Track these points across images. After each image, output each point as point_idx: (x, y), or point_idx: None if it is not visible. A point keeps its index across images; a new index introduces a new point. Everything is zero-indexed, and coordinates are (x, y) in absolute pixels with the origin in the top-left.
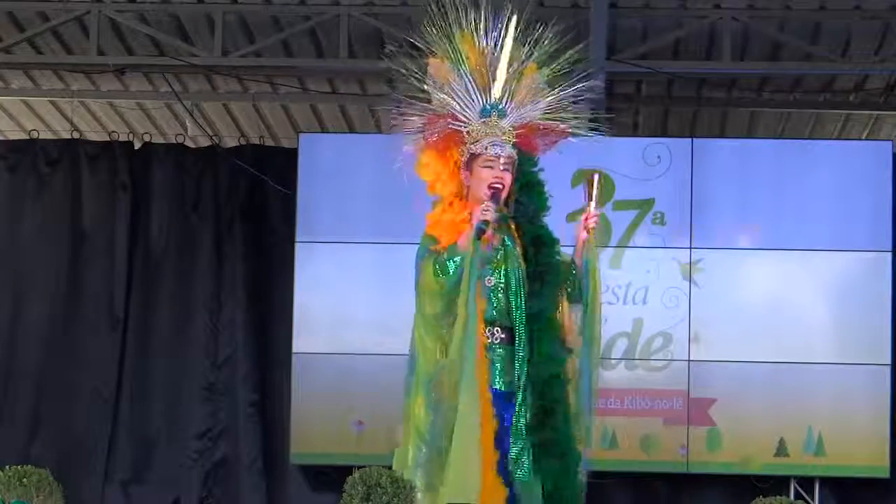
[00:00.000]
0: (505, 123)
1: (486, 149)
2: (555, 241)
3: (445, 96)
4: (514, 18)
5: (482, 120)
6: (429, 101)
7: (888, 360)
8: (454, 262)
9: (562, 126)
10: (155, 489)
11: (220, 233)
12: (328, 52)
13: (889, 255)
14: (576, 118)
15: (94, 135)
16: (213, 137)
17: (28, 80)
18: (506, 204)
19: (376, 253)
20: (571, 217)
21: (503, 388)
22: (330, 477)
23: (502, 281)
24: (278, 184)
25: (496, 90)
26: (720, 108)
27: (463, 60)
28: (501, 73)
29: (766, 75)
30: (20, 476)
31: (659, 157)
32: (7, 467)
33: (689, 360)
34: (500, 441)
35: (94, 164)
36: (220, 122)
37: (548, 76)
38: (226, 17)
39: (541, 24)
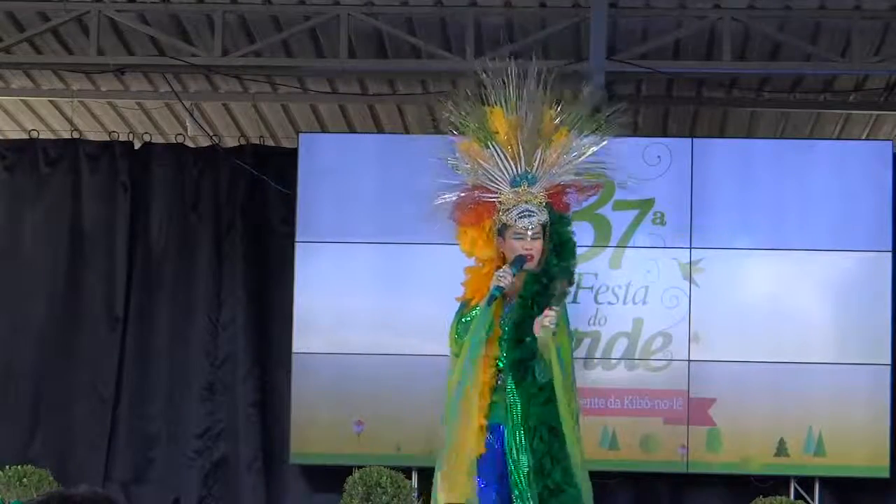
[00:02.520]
0: (535, 189)
1: (515, 221)
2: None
3: (476, 172)
4: (541, 88)
5: (513, 189)
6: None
7: (888, 360)
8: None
9: (592, 183)
10: (155, 489)
11: (220, 233)
12: (328, 52)
13: (889, 255)
14: (603, 171)
15: (94, 135)
16: (213, 137)
17: (28, 80)
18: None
19: (376, 253)
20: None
21: (497, 422)
22: (330, 477)
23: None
24: (278, 184)
25: (526, 159)
26: (720, 108)
27: (492, 136)
28: (530, 141)
29: (766, 75)
30: (20, 476)
31: (659, 157)
32: (7, 467)
33: (689, 360)
34: (483, 463)
35: (94, 164)
36: (220, 122)
37: (578, 138)
38: (226, 17)
39: (572, 91)
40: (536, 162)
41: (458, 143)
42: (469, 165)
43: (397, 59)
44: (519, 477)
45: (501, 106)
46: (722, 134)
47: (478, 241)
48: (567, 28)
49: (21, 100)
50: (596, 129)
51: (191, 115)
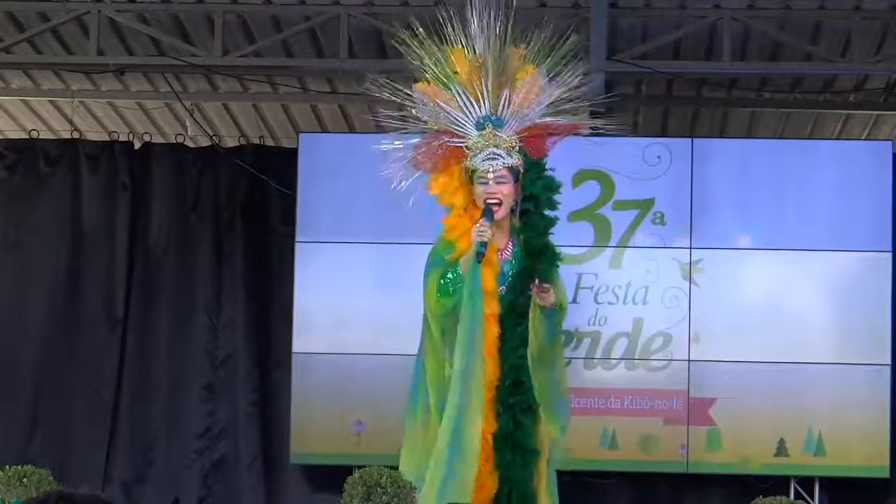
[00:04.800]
0: (504, 132)
1: (479, 164)
2: (556, 256)
3: (437, 114)
4: (502, 23)
5: (478, 133)
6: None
7: (888, 360)
8: (453, 284)
9: (567, 122)
10: (155, 489)
11: (220, 233)
12: (328, 52)
13: (889, 255)
14: (579, 113)
15: (94, 135)
16: (213, 137)
17: (28, 80)
18: (514, 213)
19: (376, 253)
20: (571, 217)
21: None
22: (330, 477)
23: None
24: (278, 184)
25: (490, 100)
26: (720, 108)
27: (452, 76)
28: (495, 81)
29: (766, 75)
30: (20, 476)
31: (659, 157)
32: (7, 467)
33: (689, 360)
34: None
35: (94, 164)
36: (220, 122)
37: (547, 72)
38: (226, 17)
39: (534, 24)
40: (502, 103)
41: (417, 85)
42: (431, 108)
43: (397, 59)
44: None
45: (461, 46)
46: (722, 134)
47: (448, 187)
48: (567, 28)
49: (21, 100)
50: (563, 64)
51: (191, 115)
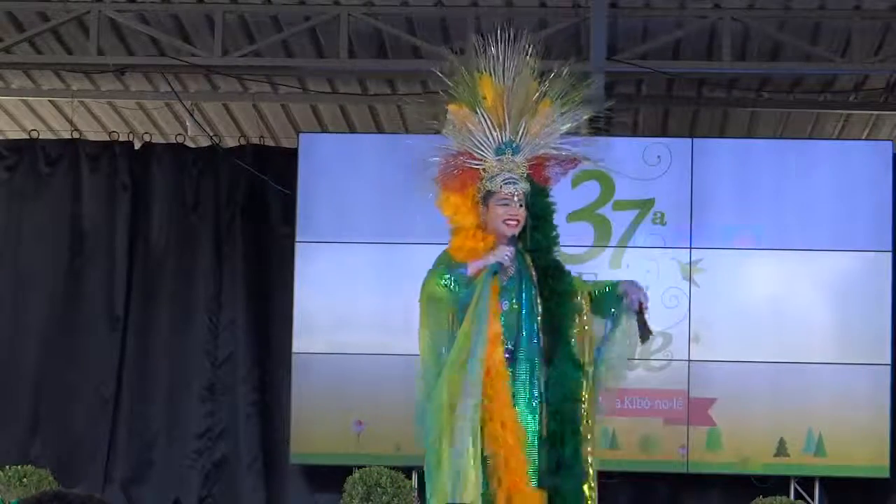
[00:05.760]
0: (519, 158)
1: (500, 187)
2: (564, 271)
3: (463, 136)
4: (529, 57)
5: (497, 157)
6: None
7: (888, 360)
8: (457, 281)
9: (572, 154)
10: (155, 489)
11: (220, 233)
12: (328, 52)
13: (889, 255)
14: (585, 145)
15: (94, 135)
16: (213, 137)
17: (28, 80)
18: (520, 235)
19: (376, 253)
20: (571, 217)
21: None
22: (330, 477)
23: (515, 306)
24: (278, 184)
25: (511, 127)
26: (720, 108)
27: (480, 101)
28: (516, 110)
29: (766, 75)
30: (20, 476)
31: (659, 157)
32: (7, 467)
33: (689, 360)
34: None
35: (94, 164)
36: (220, 122)
37: (561, 111)
38: (226, 17)
39: (551, 56)
40: (521, 131)
41: (450, 105)
42: (458, 129)
43: (397, 59)
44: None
45: (490, 73)
46: (722, 134)
47: (461, 207)
48: (567, 28)
49: (21, 100)
50: (576, 104)
51: (191, 115)
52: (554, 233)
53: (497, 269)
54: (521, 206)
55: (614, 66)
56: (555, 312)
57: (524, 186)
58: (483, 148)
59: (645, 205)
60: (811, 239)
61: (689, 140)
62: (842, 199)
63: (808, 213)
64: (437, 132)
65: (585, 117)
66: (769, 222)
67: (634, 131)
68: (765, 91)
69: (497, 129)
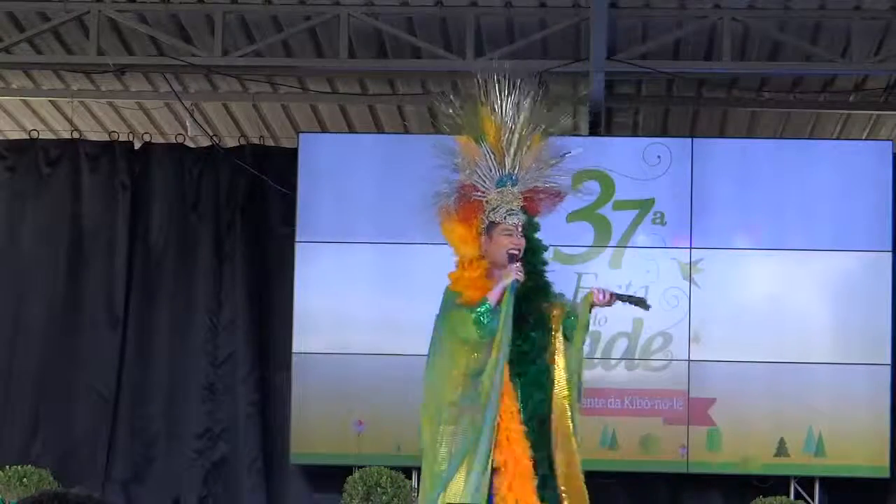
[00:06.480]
0: (516, 190)
1: (504, 218)
2: (548, 293)
3: (470, 169)
4: (528, 95)
5: (498, 189)
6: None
7: (888, 360)
8: (487, 315)
9: (559, 188)
10: (155, 489)
11: (220, 233)
12: (328, 52)
13: (889, 255)
14: (566, 176)
15: (94, 135)
16: (213, 137)
17: (28, 80)
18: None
19: (376, 253)
20: (571, 217)
21: None
22: (330, 477)
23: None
24: (278, 184)
25: (510, 161)
26: (720, 108)
27: (484, 137)
28: (514, 144)
29: (766, 75)
30: (20, 476)
31: (659, 157)
32: (7, 467)
33: (688, 360)
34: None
35: (94, 164)
36: (220, 122)
37: (550, 147)
38: (226, 17)
39: (545, 93)
40: (518, 164)
41: (459, 139)
42: (466, 163)
43: (397, 59)
44: None
45: (491, 107)
46: (722, 134)
47: (467, 238)
48: (567, 28)
49: (21, 100)
50: (556, 134)
51: (191, 115)
52: (542, 265)
53: (515, 287)
54: (522, 236)
55: (614, 66)
56: (524, 336)
57: (523, 218)
58: (486, 180)
59: (645, 205)
60: (811, 239)
61: (689, 140)
62: (842, 199)
63: (808, 213)
64: (437, 133)
65: (570, 153)
66: (769, 222)
67: (634, 131)
68: (765, 91)
69: (498, 163)
